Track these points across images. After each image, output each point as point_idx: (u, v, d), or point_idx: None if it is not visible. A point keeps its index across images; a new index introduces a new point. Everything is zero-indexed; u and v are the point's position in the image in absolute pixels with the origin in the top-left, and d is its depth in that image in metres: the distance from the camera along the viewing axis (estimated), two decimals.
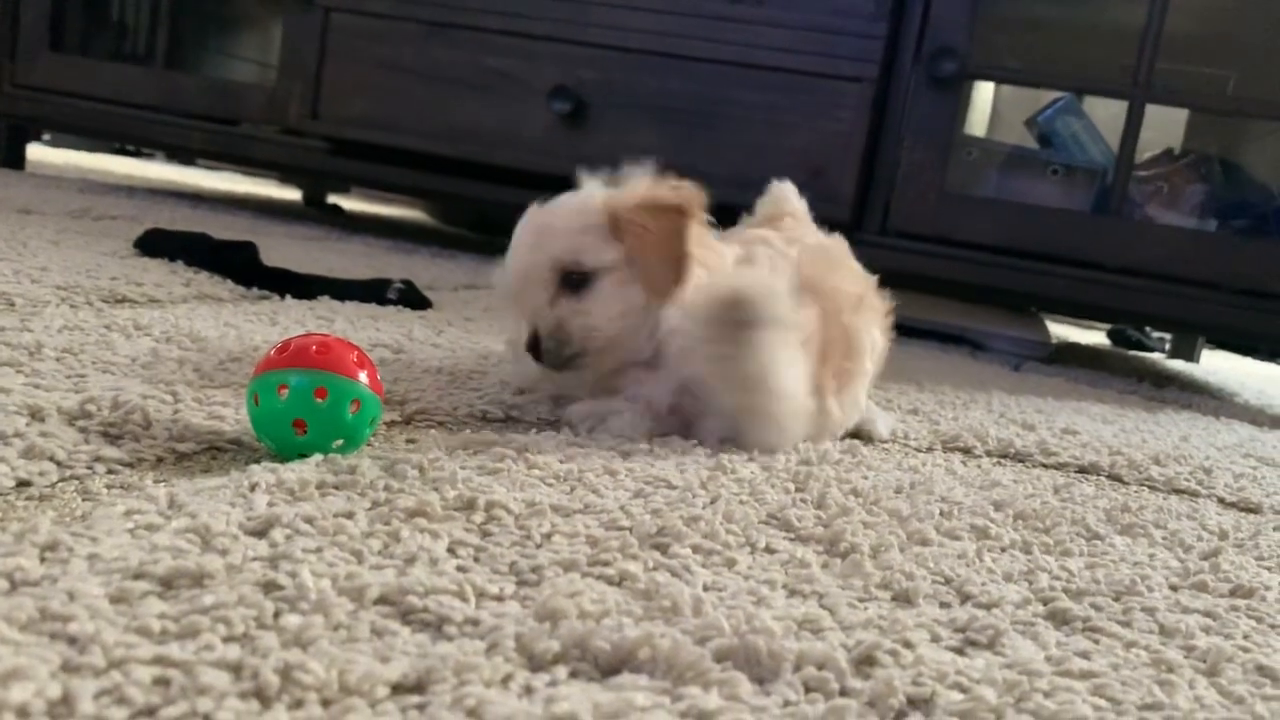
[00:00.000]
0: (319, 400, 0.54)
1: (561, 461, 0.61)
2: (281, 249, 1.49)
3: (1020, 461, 0.87)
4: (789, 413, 0.72)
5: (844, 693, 0.37)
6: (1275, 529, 0.73)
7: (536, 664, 0.36)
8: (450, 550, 0.45)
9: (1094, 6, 1.84)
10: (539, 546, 0.47)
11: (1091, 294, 1.57)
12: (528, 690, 0.34)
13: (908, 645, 0.41)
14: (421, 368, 0.83)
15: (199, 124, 2.01)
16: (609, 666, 0.36)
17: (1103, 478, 0.85)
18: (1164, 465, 0.90)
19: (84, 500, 0.46)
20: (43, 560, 0.37)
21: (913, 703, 0.37)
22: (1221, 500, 0.82)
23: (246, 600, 0.36)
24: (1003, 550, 0.57)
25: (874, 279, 0.87)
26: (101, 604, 0.34)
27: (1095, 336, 2.87)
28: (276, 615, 0.36)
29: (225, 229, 1.54)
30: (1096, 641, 0.45)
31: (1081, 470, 0.87)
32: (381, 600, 0.38)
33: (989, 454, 0.88)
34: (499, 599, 0.40)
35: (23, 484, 0.46)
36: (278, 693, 0.31)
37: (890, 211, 1.65)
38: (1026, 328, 1.91)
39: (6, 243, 1.10)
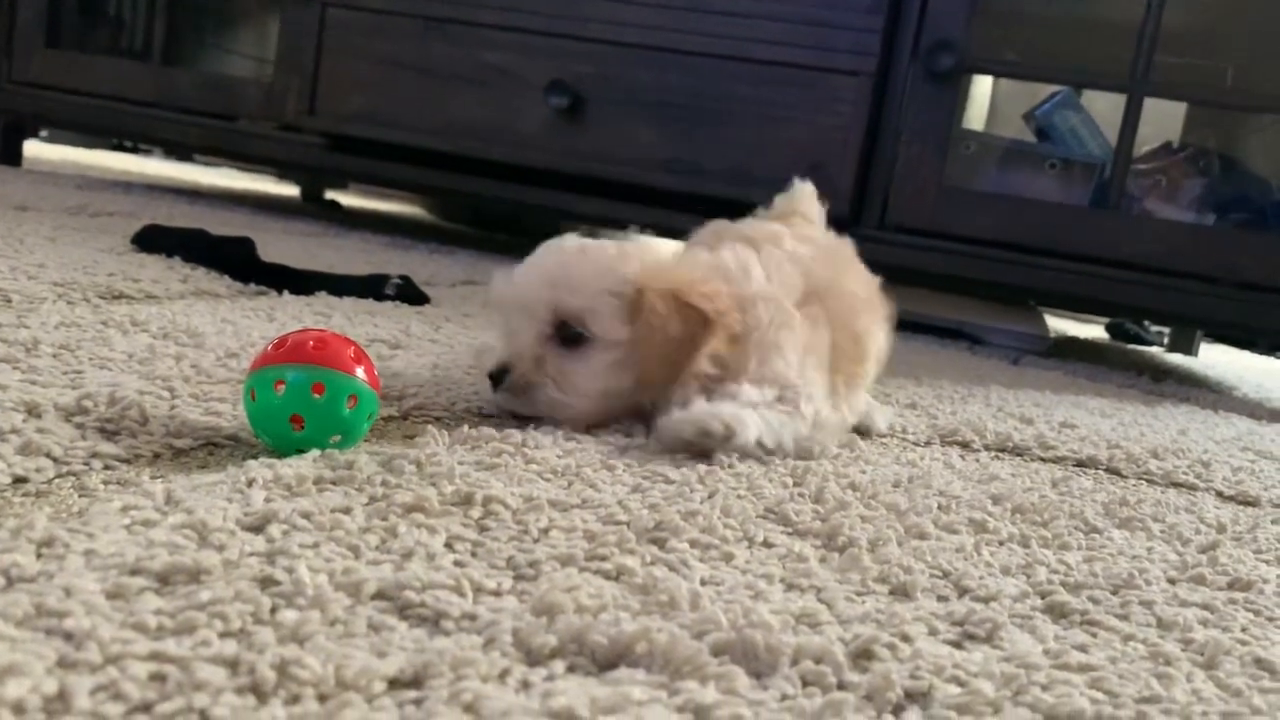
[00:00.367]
0: (316, 396, 0.54)
1: (559, 456, 0.61)
2: (279, 245, 1.49)
3: (1018, 455, 0.87)
4: (822, 442, 0.73)
5: (842, 686, 0.37)
6: (1273, 522, 0.73)
7: (534, 659, 0.36)
8: (447, 545, 0.45)
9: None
10: (536, 541, 0.47)
11: (1090, 288, 1.57)
12: (525, 685, 0.34)
13: (905, 639, 0.41)
14: (419, 363, 0.83)
15: (196, 120, 2.00)
16: (606, 661, 0.36)
17: (1101, 471, 0.85)
18: (1162, 459, 0.90)
19: (80, 496, 0.46)
20: (39, 556, 0.37)
21: (910, 696, 0.37)
22: (1220, 494, 0.82)
23: (243, 596, 0.36)
24: (1001, 544, 0.57)
25: (877, 280, 0.87)
26: (98, 600, 0.34)
27: (1094, 330, 2.87)
28: (273, 611, 0.36)
29: (223, 225, 1.54)
30: (1094, 635, 0.45)
31: (1080, 464, 0.87)
32: (378, 595, 0.38)
33: (987, 448, 0.88)
34: (496, 594, 0.40)
35: (19, 480, 0.46)
36: (274, 688, 0.31)
37: (889, 206, 1.65)
38: (1024, 322, 1.91)
39: (3, 239, 1.10)
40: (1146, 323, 2.70)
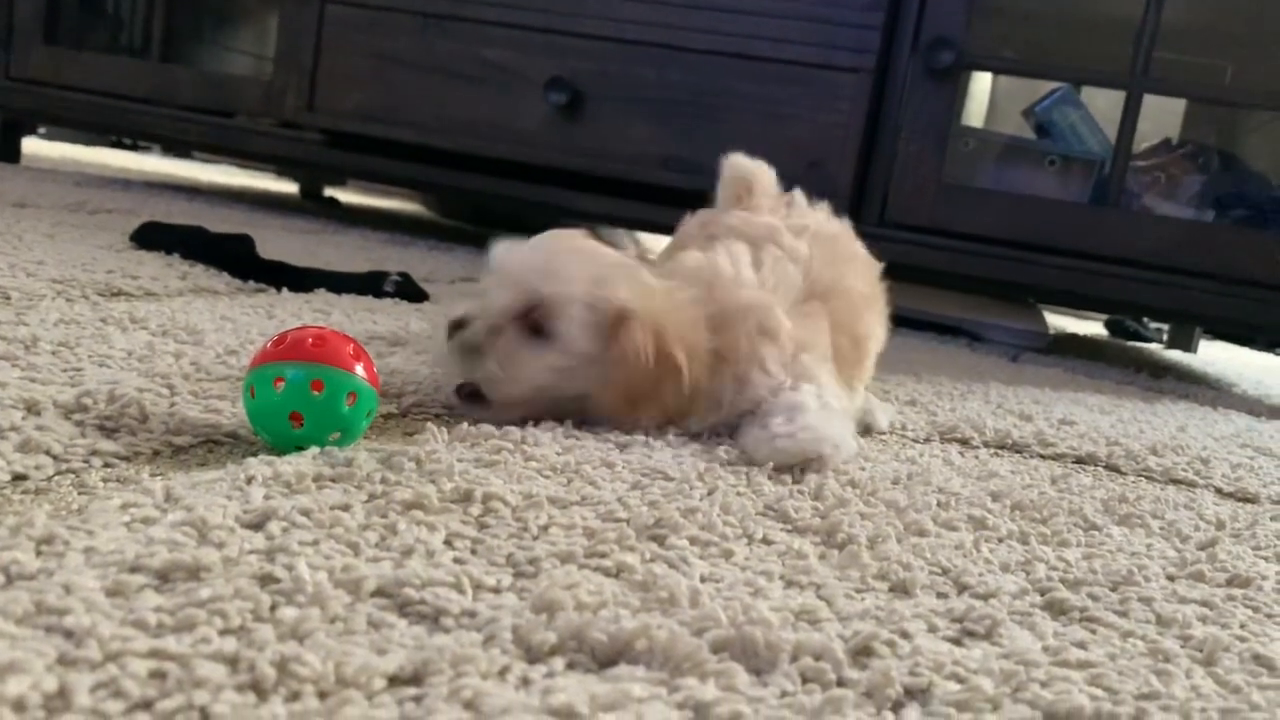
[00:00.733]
0: (315, 393, 0.54)
1: (559, 453, 0.61)
2: (278, 242, 1.49)
3: (1018, 452, 0.87)
4: (844, 456, 0.71)
5: (841, 683, 0.37)
6: (1272, 519, 0.73)
7: (533, 655, 0.36)
8: (447, 542, 0.45)
9: None
10: (536, 538, 0.47)
11: (1089, 284, 1.57)
12: (525, 682, 0.34)
13: (905, 636, 0.41)
14: (418, 360, 0.83)
15: (195, 117, 2.00)
16: (606, 658, 0.36)
17: (1100, 468, 0.85)
18: (1161, 455, 0.90)
19: (80, 494, 0.46)
20: (39, 554, 0.37)
21: (910, 693, 0.37)
22: (1219, 490, 0.82)
23: (243, 593, 0.36)
24: (1000, 541, 0.57)
25: (879, 266, 0.87)
26: (98, 597, 0.34)
27: (1093, 327, 2.87)
28: (273, 608, 0.36)
29: (222, 222, 1.54)
30: (1094, 631, 0.45)
31: (1079, 461, 0.87)
32: (378, 592, 0.38)
33: (986, 445, 0.88)
34: (496, 591, 0.40)
35: (19, 477, 0.46)
36: (274, 685, 0.31)
37: (888, 203, 1.65)
38: (1024, 318, 1.91)
39: (2, 237, 1.09)
40: (1145, 319, 2.70)
